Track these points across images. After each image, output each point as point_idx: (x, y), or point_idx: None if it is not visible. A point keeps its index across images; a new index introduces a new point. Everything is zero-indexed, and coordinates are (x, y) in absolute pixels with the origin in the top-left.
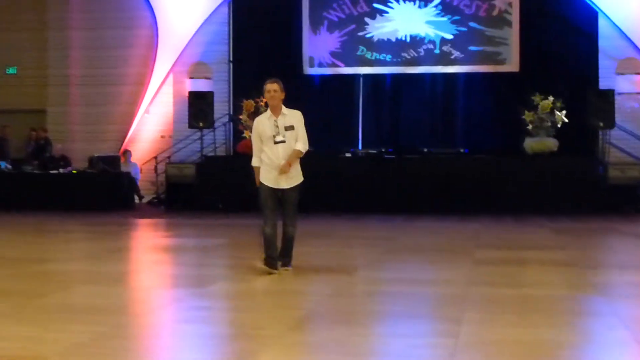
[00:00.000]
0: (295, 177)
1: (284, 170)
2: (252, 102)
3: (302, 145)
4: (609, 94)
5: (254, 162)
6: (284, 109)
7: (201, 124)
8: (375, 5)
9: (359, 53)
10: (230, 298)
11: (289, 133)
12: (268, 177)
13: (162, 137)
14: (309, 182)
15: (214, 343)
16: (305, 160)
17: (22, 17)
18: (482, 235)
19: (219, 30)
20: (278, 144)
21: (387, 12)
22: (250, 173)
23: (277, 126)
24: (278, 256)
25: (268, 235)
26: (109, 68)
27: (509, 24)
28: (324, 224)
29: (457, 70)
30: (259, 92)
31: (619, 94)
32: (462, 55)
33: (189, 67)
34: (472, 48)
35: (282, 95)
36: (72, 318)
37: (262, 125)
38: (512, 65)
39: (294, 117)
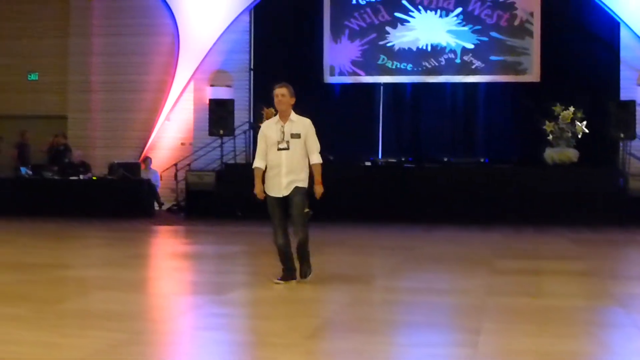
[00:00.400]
0: (297, 182)
1: (319, 193)
2: (273, 110)
3: (317, 157)
4: (630, 105)
5: (256, 163)
6: (293, 115)
7: (221, 132)
8: (397, 14)
9: (379, 62)
10: (248, 305)
11: (294, 141)
12: (270, 185)
13: (183, 144)
14: (329, 190)
15: (232, 350)
16: (325, 169)
17: (44, 23)
18: (501, 245)
19: (240, 38)
20: (281, 151)
21: (408, 22)
22: None
23: (283, 132)
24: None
25: (280, 246)
26: (130, 75)
27: (530, 34)
28: (343, 233)
29: (478, 79)
30: None
31: None
32: (483, 65)
33: (210, 75)
34: (493, 58)
35: (291, 101)
36: (90, 324)
37: (269, 129)
38: (533, 75)
39: (302, 125)
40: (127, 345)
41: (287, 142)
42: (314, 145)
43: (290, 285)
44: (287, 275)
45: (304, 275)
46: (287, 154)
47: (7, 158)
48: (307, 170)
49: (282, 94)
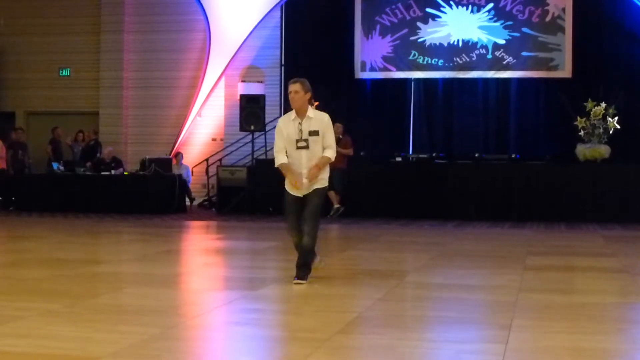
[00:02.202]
0: (317, 183)
1: (313, 175)
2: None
3: (331, 152)
4: None
5: (280, 160)
6: (310, 111)
7: (252, 127)
8: (428, 9)
9: (411, 57)
10: (280, 301)
11: (313, 139)
12: (291, 185)
13: (214, 140)
14: (360, 185)
15: (264, 345)
16: (356, 164)
17: (76, 20)
18: (533, 241)
19: (271, 34)
20: (301, 150)
21: (439, 17)
22: None
23: (301, 130)
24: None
25: (296, 244)
26: (162, 71)
27: (562, 29)
28: (373, 228)
29: (510, 75)
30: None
31: None
32: (515, 61)
33: (241, 71)
34: (524, 53)
35: (305, 97)
36: (123, 319)
37: (287, 126)
38: (564, 71)
39: (320, 121)
40: (160, 340)
41: (306, 140)
42: (331, 141)
43: (322, 281)
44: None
45: (300, 277)
46: (307, 153)
47: (40, 154)
48: (328, 169)
49: (295, 90)
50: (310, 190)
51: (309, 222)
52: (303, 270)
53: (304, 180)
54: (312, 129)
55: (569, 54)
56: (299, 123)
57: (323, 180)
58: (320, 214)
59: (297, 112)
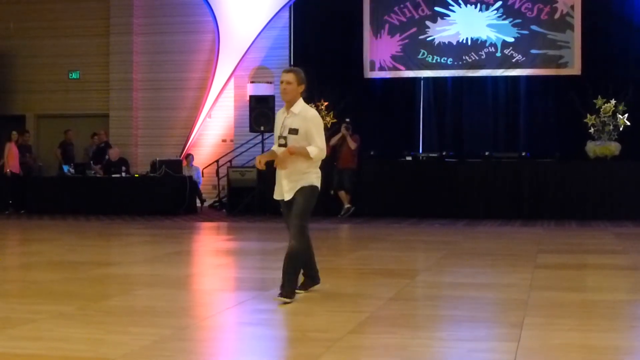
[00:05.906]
0: (299, 182)
1: (282, 161)
2: (313, 106)
3: (314, 149)
4: None
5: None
6: (297, 106)
7: (262, 128)
8: (437, 8)
9: (420, 56)
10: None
11: (291, 137)
12: (276, 186)
13: (224, 141)
14: (370, 185)
15: (275, 346)
16: (366, 164)
17: (86, 22)
18: (544, 239)
19: (280, 35)
20: (281, 148)
21: (448, 16)
22: None
23: (284, 126)
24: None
25: None
26: (171, 72)
27: (571, 27)
28: (384, 228)
29: (519, 73)
30: (319, 96)
31: None
32: (524, 59)
33: (251, 72)
34: (533, 51)
35: (298, 89)
36: (135, 321)
37: (277, 120)
38: (574, 68)
39: (303, 118)
40: (172, 341)
41: (285, 138)
42: (317, 142)
43: (333, 280)
44: (307, 282)
45: (281, 294)
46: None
47: (51, 157)
48: (316, 170)
49: (287, 81)
50: (294, 193)
51: (295, 225)
52: (285, 288)
53: (284, 182)
54: (293, 126)
55: (578, 51)
56: (285, 117)
57: (305, 179)
58: (307, 216)
59: (286, 106)
